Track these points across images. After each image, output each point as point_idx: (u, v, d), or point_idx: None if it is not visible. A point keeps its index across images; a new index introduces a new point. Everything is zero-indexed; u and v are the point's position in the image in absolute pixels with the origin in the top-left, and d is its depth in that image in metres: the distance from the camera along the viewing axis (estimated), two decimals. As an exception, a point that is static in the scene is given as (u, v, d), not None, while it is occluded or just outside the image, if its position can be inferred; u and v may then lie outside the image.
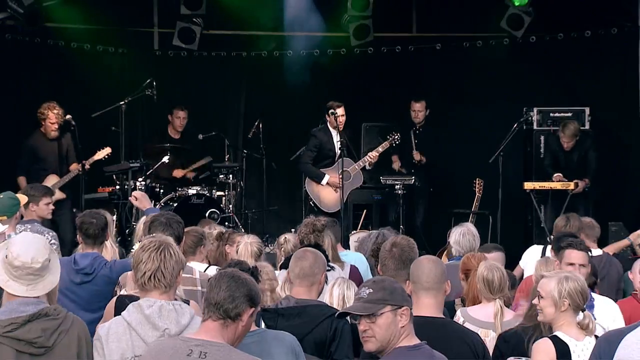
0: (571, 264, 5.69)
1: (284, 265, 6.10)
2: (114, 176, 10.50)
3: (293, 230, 8.13)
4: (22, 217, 7.27)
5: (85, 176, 10.15)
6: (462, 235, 6.83)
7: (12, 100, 11.23)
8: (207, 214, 10.24)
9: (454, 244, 6.85)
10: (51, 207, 7.70)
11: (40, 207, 7.59)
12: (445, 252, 7.91)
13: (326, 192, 10.40)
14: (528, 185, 10.47)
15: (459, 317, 5.31)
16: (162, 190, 10.69)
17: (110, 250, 6.77)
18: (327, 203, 10.35)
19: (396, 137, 10.46)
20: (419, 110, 11.34)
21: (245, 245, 6.38)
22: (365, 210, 11.12)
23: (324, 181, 10.34)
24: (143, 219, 6.14)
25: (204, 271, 5.81)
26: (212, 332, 3.54)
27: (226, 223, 10.54)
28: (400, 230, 10.28)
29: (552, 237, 7.26)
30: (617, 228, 9.99)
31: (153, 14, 12.40)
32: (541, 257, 7.00)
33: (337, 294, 5.26)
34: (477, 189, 10.69)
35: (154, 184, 10.61)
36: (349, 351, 4.71)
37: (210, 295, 3.56)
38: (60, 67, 11.62)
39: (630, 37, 11.09)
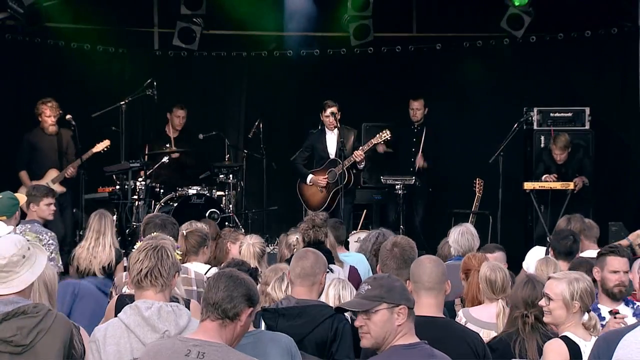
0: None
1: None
2: (114, 176, 10.49)
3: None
4: (23, 216, 7.27)
5: (86, 176, 10.15)
6: (460, 235, 6.85)
7: (12, 100, 11.24)
8: (207, 214, 10.23)
9: (453, 243, 6.86)
10: (52, 208, 7.70)
11: (40, 207, 7.59)
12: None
13: (311, 192, 10.45)
14: (528, 185, 10.48)
15: (461, 318, 5.32)
16: (162, 190, 10.68)
17: (108, 251, 6.78)
18: (311, 203, 10.41)
19: (385, 134, 10.33)
20: (417, 109, 11.34)
21: (247, 247, 6.38)
22: (365, 210, 11.13)
23: (308, 180, 10.37)
24: (145, 219, 6.14)
25: (206, 273, 5.80)
26: (211, 332, 3.54)
27: (226, 223, 10.54)
28: (401, 231, 10.30)
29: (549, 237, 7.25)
30: (617, 228, 9.98)
31: (153, 14, 12.40)
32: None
33: (333, 294, 5.27)
34: (477, 189, 10.69)
35: (154, 184, 10.60)
36: (350, 351, 4.71)
37: (208, 296, 3.56)
38: (60, 67, 11.62)
39: (630, 37, 11.08)
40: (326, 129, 10.38)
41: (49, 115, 10.16)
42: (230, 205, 10.81)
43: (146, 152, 11.01)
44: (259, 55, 12.47)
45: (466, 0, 11.98)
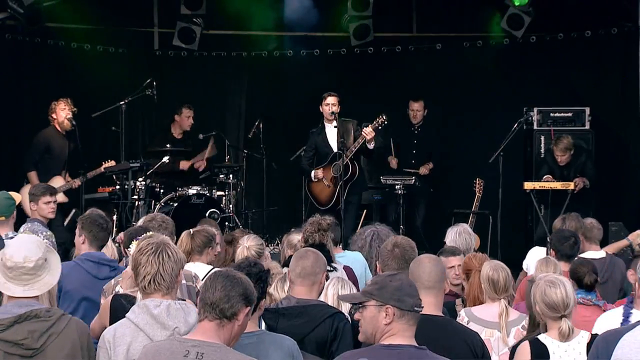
0: None
1: (285, 264, 6.10)
2: (114, 176, 10.50)
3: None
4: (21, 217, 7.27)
5: (87, 180, 10.14)
6: (458, 235, 6.83)
7: (12, 100, 11.23)
8: (207, 214, 10.23)
9: (451, 243, 6.84)
10: (52, 206, 7.69)
11: (40, 206, 7.59)
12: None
13: (319, 189, 10.40)
14: (528, 185, 10.46)
15: (463, 317, 5.31)
16: (162, 190, 10.68)
17: (110, 249, 6.78)
18: (321, 200, 10.36)
19: (382, 119, 10.13)
20: (417, 110, 11.34)
21: (242, 250, 6.36)
22: (365, 210, 11.12)
23: (312, 176, 10.36)
24: (142, 218, 6.14)
25: (206, 274, 5.80)
26: (209, 333, 3.54)
27: (226, 223, 10.55)
28: (401, 231, 10.29)
29: (552, 237, 7.21)
30: (617, 228, 9.98)
31: (153, 14, 12.40)
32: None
33: (332, 294, 5.28)
34: (477, 189, 10.69)
35: (154, 184, 10.60)
36: (350, 351, 4.72)
37: (205, 296, 3.56)
38: (60, 67, 11.62)
39: (630, 37, 11.08)
40: (325, 125, 10.33)
41: (63, 108, 10.13)
42: (230, 205, 10.81)
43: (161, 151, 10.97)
44: (259, 55, 12.46)
45: (466, 0, 11.98)
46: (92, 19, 11.66)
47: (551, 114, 11.15)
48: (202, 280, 5.52)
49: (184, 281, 5.32)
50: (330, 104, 10.10)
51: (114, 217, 10.03)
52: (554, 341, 4.54)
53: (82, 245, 6.04)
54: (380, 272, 5.19)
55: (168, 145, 10.90)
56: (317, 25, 11.87)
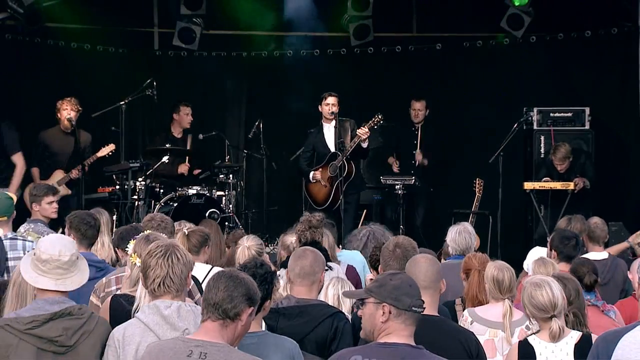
0: None
1: (284, 265, 6.10)
2: (114, 176, 10.49)
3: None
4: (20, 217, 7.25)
5: (86, 176, 10.15)
6: (458, 234, 6.81)
7: (12, 100, 11.24)
8: (207, 214, 10.22)
9: (451, 242, 6.84)
10: (55, 206, 7.67)
11: (43, 206, 7.58)
12: (441, 254, 7.88)
13: (317, 189, 10.42)
14: (528, 185, 10.48)
15: (466, 317, 5.31)
16: (162, 190, 10.68)
17: (107, 249, 6.78)
18: (318, 200, 10.37)
19: (377, 119, 10.10)
20: (419, 110, 11.34)
21: (243, 250, 6.36)
22: (365, 210, 11.12)
23: (311, 176, 10.37)
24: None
25: (207, 272, 5.80)
26: (212, 333, 3.55)
27: (226, 223, 10.54)
28: (401, 231, 10.29)
29: (553, 237, 7.19)
30: (617, 228, 9.99)
31: (153, 14, 12.41)
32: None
33: (332, 294, 5.29)
34: (477, 189, 10.68)
35: (154, 184, 10.60)
36: (350, 350, 4.72)
37: (208, 296, 3.57)
38: (60, 67, 11.62)
39: (630, 37, 11.08)
40: (324, 125, 10.34)
41: (65, 107, 10.13)
42: (230, 205, 10.80)
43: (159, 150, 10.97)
44: (259, 55, 12.47)
45: (466, 0, 11.98)
46: (92, 19, 11.66)
47: (551, 114, 11.14)
48: (203, 279, 5.53)
49: None
50: (330, 103, 10.10)
51: (114, 217, 10.01)
52: (542, 342, 4.56)
53: None
54: (381, 272, 5.19)
55: (168, 145, 10.90)
56: (317, 25, 11.86)
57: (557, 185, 10.37)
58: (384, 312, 3.73)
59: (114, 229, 9.73)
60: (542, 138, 11.09)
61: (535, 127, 11.14)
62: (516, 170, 11.19)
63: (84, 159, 10.14)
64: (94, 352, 3.85)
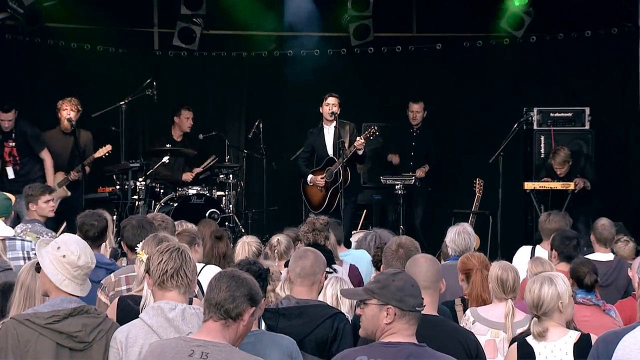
0: None
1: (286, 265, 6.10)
2: (114, 176, 10.49)
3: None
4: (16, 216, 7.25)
5: (86, 177, 10.14)
6: (457, 234, 6.79)
7: (12, 100, 11.22)
8: (207, 214, 10.22)
9: (450, 243, 6.82)
10: (52, 204, 7.67)
11: (40, 205, 7.57)
12: (440, 255, 7.86)
13: (313, 192, 10.45)
14: (528, 185, 10.47)
15: (468, 317, 5.31)
16: (162, 190, 10.68)
17: (108, 250, 6.77)
18: (313, 203, 10.41)
19: (373, 130, 10.14)
20: (417, 112, 11.33)
21: (243, 245, 6.37)
22: (365, 210, 11.12)
23: (308, 179, 10.39)
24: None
25: (200, 270, 5.79)
26: (214, 333, 3.55)
27: (226, 223, 10.54)
28: (401, 231, 10.30)
29: (554, 237, 7.15)
30: (617, 228, 9.95)
31: (153, 14, 12.40)
32: (531, 257, 6.97)
33: (331, 293, 5.29)
34: (477, 189, 10.68)
35: (154, 184, 10.60)
36: (350, 351, 4.71)
37: (210, 296, 3.56)
38: (60, 67, 11.62)
39: (630, 37, 11.09)
40: (324, 126, 10.35)
41: (65, 108, 10.13)
42: (230, 205, 10.81)
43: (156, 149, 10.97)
44: (259, 55, 12.47)
45: (466, 0, 11.98)
46: (92, 19, 11.65)
47: (551, 114, 11.14)
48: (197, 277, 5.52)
49: None
50: (330, 104, 10.11)
51: (114, 217, 10.01)
52: (541, 341, 4.56)
53: None
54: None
55: (168, 145, 10.90)
56: (317, 25, 11.86)
57: (558, 185, 10.36)
58: (388, 314, 3.73)
59: (117, 230, 9.81)
60: (542, 138, 11.09)
61: (535, 127, 11.14)
62: (516, 170, 11.19)
63: (84, 159, 10.14)
64: (106, 352, 3.91)
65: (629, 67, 11.17)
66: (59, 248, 3.97)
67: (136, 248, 4.83)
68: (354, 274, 6.58)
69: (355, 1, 11.45)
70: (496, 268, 5.41)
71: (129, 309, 4.49)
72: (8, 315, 4.22)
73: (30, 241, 6.56)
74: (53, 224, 8.35)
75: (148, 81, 10.83)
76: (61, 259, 3.94)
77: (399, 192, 10.75)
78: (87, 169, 10.14)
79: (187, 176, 11.11)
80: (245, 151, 11.84)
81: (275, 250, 6.64)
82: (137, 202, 10.28)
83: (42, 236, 7.17)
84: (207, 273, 5.81)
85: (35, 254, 5.24)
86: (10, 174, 9.95)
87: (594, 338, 4.51)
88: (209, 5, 11.43)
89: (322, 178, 10.31)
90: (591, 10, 11.36)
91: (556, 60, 11.80)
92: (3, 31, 10.99)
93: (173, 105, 11.38)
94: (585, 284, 5.65)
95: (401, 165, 11.38)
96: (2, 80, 10.97)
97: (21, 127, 9.99)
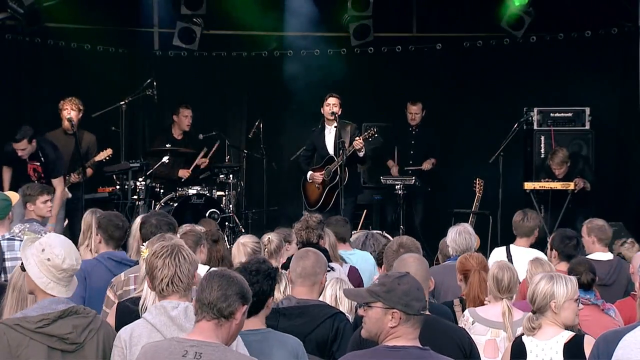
0: None
1: (285, 266, 6.09)
2: (114, 176, 10.49)
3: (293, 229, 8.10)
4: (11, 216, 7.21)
5: (86, 178, 10.12)
6: (458, 234, 6.79)
7: (13, 100, 11.24)
8: (207, 214, 10.22)
9: (451, 243, 6.82)
10: (49, 204, 7.67)
11: (37, 205, 7.56)
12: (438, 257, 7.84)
13: (311, 189, 10.47)
14: (528, 185, 10.47)
15: (467, 318, 5.32)
16: (162, 190, 10.68)
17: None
18: (310, 200, 10.43)
19: (371, 132, 10.11)
20: (415, 113, 11.33)
21: (238, 246, 6.34)
22: (365, 210, 11.12)
23: (308, 176, 10.39)
24: (138, 219, 6.13)
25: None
26: (207, 333, 3.55)
27: (226, 223, 10.55)
28: (401, 231, 10.31)
29: (550, 238, 7.14)
30: (617, 228, 9.96)
31: (153, 14, 12.40)
32: (506, 257, 6.96)
33: (330, 294, 5.29)
34: (477, 189, 10.68)
35: (154, 184, 10.60)
36: (351, 351, 4.71)
37: (202, 296, 3.56)
38: (60, 67, 11.62)
39: (630, 37, 11.09)
40: (325, 126, 10.35)
41: (66, 108, 10.09)
42: (230, 205, 10.81)
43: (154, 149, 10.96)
44: (259, 55, 12.47)
45: (466, 0, 11.98)
46: (92, 19, 11.65)
47: (551, 114, 11.14)
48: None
49: None
50: (331, 104, 10.12)
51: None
52: (533, 340, 4.61)
53: (99, 244, 6.04)
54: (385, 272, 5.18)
55: (168, 145, 10.89)
56: (317, 25, 11.86)
57: (557, 185, 10.37)
58: (393, 318, 3.73)
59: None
60: (542, 138, 11.10)
61: (535, 127, 11.14)
62: (516, 170, 11.19)
63: (87, 160, 10.12)
64: (99, 351, 3.88)
65: (628, 67, 11.16)
66: (43, 250, 3.92)
67: (141, 247, 4.84)
68: (354, 277, 6.56)
69: (355, 1, 11.45)
70: (494, 267, 5.43)
71: (127, 311, 4.50)
72: (1, 316, 4.22)
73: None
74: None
75: (148, 81, 10.83)
76: (45, 262, 3.91)
77: (399, 192, 10.76)
78: (90, 170, 10.11)
79: (183, 173, 11.10)
80: (245, 151, 11.84)
81: (266, 249, 6.62)
82: (137, 202, 10.28)
83: (40, 235, 7.16)
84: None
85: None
86: None
87: (587, 339, 4.54)
88: (209, 5, 11.43)
89: (320, 175, 10.32)
90: (591, 10, 11.36)
91: (556, 60, 11.80)
92: (3, 31, 10.98)
93: (173, 105, 11.37)
94: (582, 282, 5.64)
95: (401, 163, 11.38)
96: (2, 80, 10.97)
97: (45, 150, 9.70)
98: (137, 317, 4.16)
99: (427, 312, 4.11)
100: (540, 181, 10.49)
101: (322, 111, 10.27)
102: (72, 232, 9.25)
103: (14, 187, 8.78)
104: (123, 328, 4.01)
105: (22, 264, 4.01)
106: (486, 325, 5.23)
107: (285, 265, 5.97)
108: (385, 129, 11.42)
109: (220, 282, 3.57)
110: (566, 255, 6.47)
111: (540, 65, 11.86)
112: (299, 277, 4.89)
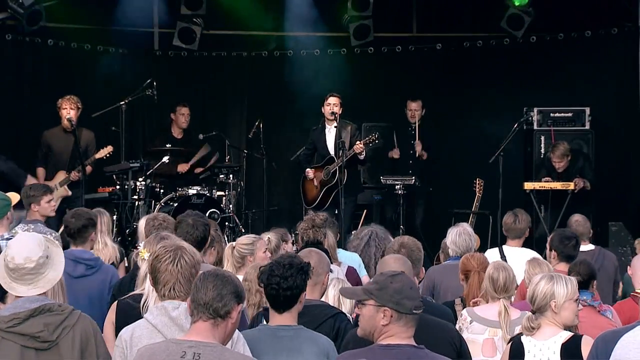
0: None
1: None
2: (114, 176, 10.49)
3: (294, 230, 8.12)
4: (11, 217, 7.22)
5: (86, 176, 10.14)
6: (458, 235, 6.81)
7: (13, 100, 11.24)
8: (207, 214, 10.21)
9: (451, 244, 6.84)
10: (53, 204, 7.69)
11: (42, 206, 7.58)
12: (439, 257, 7.87)
13: (309, 188, 10.49)
14: (528, 185, 10.47)
15: (465, 317, 5.32)
16: (162, 190, 10.68)
17: (110, 249, 6.78)
18: (308, 199, 10.46)
19: (374, 137, 10.09)
20: (415, 110, 11.32)
21: (227, 249, 6.29)
22: (365, 210, 11.12)
23: (306, 172, 10.43)
24: (143, 218, 6.13)
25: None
26: (204, 333, 3.55)
27: (226, 223, 10.55)
28: (401, 231, 10.30)
29: (552, 237, 7.16)
30: (617, 228, 9.99)
31: (153, 14, 12.40)
32: (500, 258, 6.98)
33: (332, 294, 5.29)
34: (477, 189, 10.68)
35: (154, 184, 10.60)
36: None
37: (198, 296, 3.56)
38: (60, 67, 11.62)
39: (630, 37, 11.09)
40: (326, 126, 10.35)
41: (65, 107, 10.10)
42: (230, 205, 10.81)
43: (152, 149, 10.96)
44: (259, 55, 12.48)
45: (466, 0, 11.98)
46: (92, 19, 11.66)
47: (551, 114, 11.15)
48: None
49: None
50: (331, 104, 10.12)
51: (114, 217, 10.02)
52: (531, 340, 4.63)
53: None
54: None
55: (168, 145, 10.89)
56: (317, 25, 11.86)
57: (557, 185, 10.37)
58: (384, 316, 3.73)
59: (117, 230, 9.82)
60: (542, 138, 11.10)
61: (535, 127, 11.15)
62: (516, 170, 11.19)
63: (86, 158, 10.12)
64: (76, 347, 3.83)
65: (629, 67, 11.16)
66: (5, 252, 3.92)
67: (138, 247, 4.85)
68: (353, 277, 6.58)
69: (355, 1, 11.45)
70: (490, 267, 5.44)
71: (127, 308, 4.51)
72: None
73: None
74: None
75: (148, 81, 10.82)
76: (2, 263, 3.90)
77: (399, 192, 10.77)
78: (89, 168, 10.12)
79: (182, 167, 11.10)
80: (245, 151, 11.84)
81: (266, 249, 6.61)
82: (137, 202, 10.28)
83: (46, 236, 7.16)
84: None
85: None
86: None
87: (585, 339, 4.54)
88: (209, 5, 11.43)
89: (319, 172, 10.32)
90: (591, 10, 11.37)
91: (556, 60, 11.80)
92: (3, 31, 10.99)
93: (173, 106, 11.37)
94: (579, 282, 5.64)
95: (401, 163, 11.37)
96: (2, 80, 10.97)
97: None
98: (138, 314, 4.18)
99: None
100: (540, 181, 10.49)
101: (322, 111, 10.27)
102: None
103: None
104: (124, 328, 4.01)
105: None
106: (484, 325, 5.24)
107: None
108: (385, 129, 11.41)
109: (215, 282, 3.57)
110: (565, 256, 6.47)
111: (540, 65, 11.85)
112: (301, 276, 4.88)
